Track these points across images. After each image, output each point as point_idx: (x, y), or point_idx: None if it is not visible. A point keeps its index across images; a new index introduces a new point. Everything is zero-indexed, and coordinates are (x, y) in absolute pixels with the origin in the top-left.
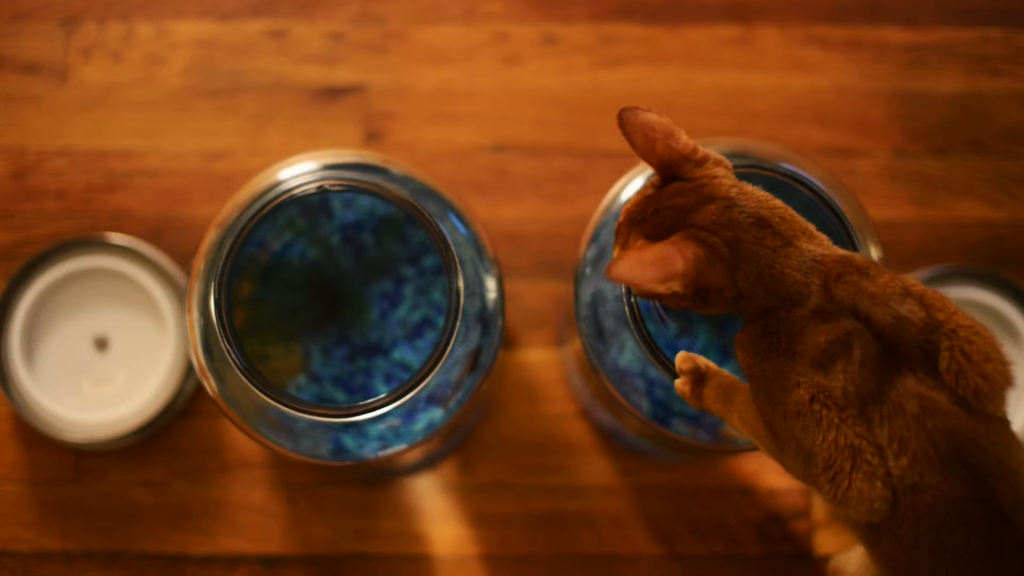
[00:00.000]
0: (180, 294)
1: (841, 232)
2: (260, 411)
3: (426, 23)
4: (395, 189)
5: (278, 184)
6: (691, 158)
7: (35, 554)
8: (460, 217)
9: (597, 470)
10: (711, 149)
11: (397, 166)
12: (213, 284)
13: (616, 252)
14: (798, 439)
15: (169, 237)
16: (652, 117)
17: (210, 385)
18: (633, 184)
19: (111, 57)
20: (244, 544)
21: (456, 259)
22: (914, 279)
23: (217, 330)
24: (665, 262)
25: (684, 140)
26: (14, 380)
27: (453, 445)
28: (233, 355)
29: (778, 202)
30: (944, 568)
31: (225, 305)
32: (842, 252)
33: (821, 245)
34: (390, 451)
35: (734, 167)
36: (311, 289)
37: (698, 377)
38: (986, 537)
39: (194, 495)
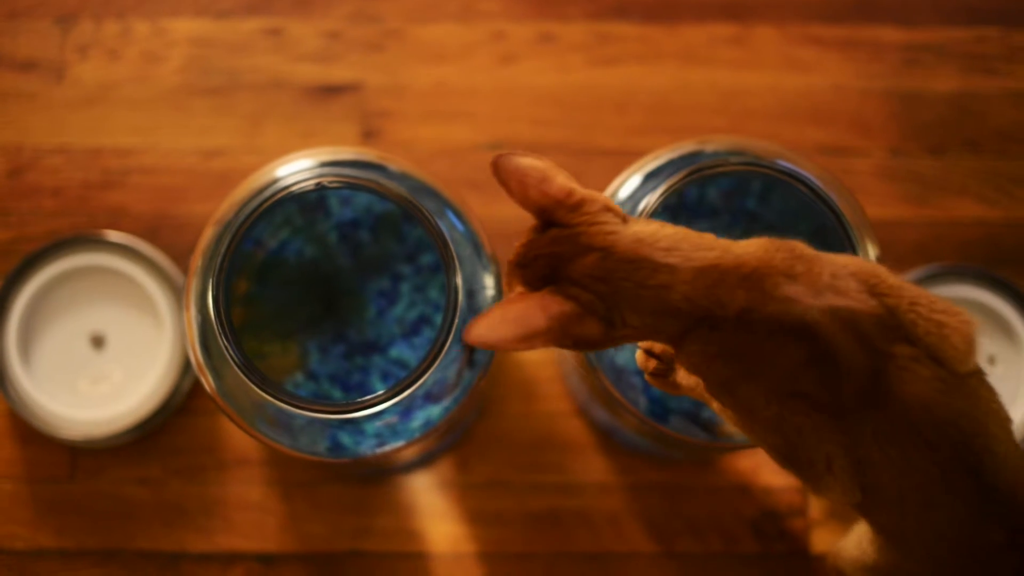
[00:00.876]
0: (177, 292)
1: (839, 230)
2: (258, 408)
3: (423, 21)
4: (393, 186)
5: (275, 181)
6: (565, 203)
7: (31, 552)
8: (458, 214)
9: (594, 468)
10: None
11: (394, 163)
12: (211, 281)
13: (504, 292)
14: (773, 445)
15: (166, 235)
16: (525, 162)
17: (208, 382)
18: (630, 182)
19: (107, 55)
20: (241, 542)
21: (454, 256)
22: (855, 260)
23: (215, 327)
24: (525, 321)
25: (559, 184)
26: (10, 378)
27: (450, 443)
28: (231, 352)
29: (668, 230)
30: (931, 534)
31: (223, 302)
32: (762, 255)
33: (728, 252)
34: (387, 448)
35: (733, 164)
36: (308, 287)
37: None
38: (969, 504)
39: (191, 493)
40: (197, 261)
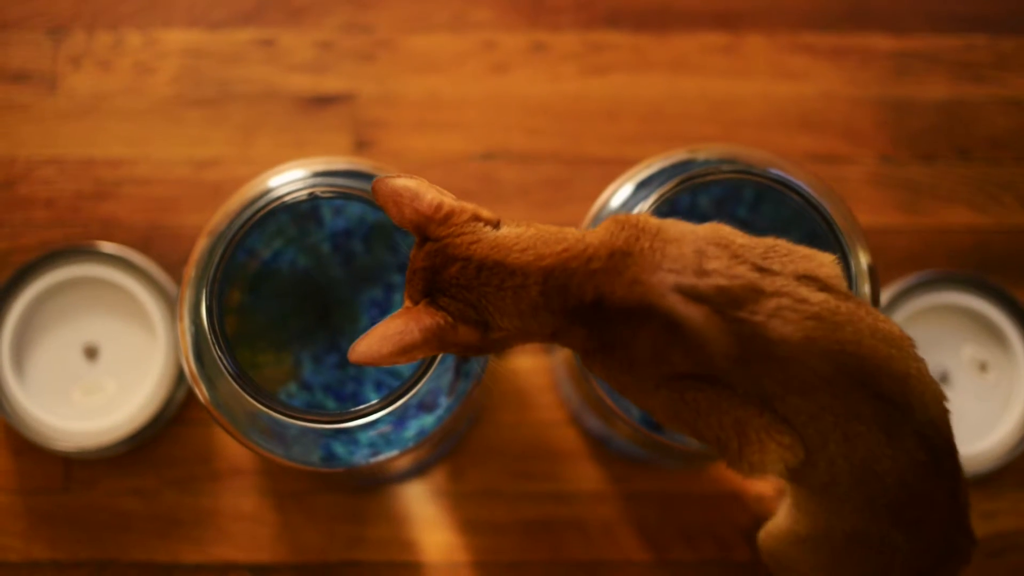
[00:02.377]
0: (170, 302)
1: (830, 236)
2: (251, 418)
3: (414, 32)
4: None
5: (268, 191)
6: (434, 218)
7: (25, 563)
8: None
9: (587, 476)
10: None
11: (387, 173)
12: (204, 291)
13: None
14: (684, 430)
15: (158, 245)
16: (399, 183)
17: (201, 392)
18: (622, 191)
19: (100, 66)
20: (235, 552)
21: None
22: (708, 226)
23: (209, 337)
24: (401, 337)
25: (428, 200)
26: (4, 389)
27: (443, 452)
28: (225, 362)
29: (531, 231)
30: (860, 472)
31: (217, 312)
32: (606, 238)
33: (579, 242)
34: (381, 458)
35: (724, 172)
36: (301, 297)
37: None
38: (886, 430)
39: (184, 503)
40: (190, 271)
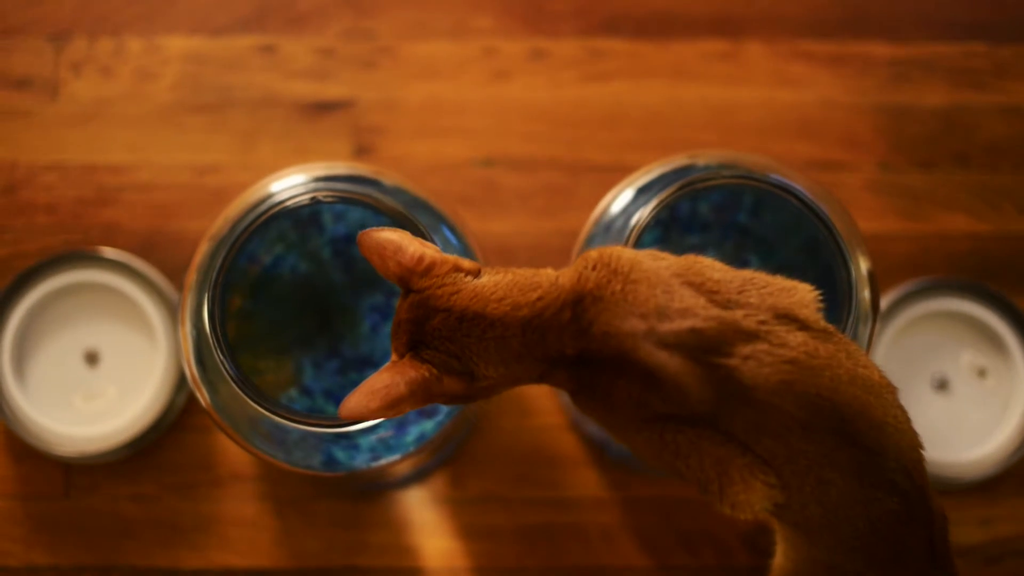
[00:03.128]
0: (171, 308)
1: (831, 243)
2: (252, 422)
3: (415, 38)
4: (388, 200)
5: (269, 197)
6: (416, 270)
7: (25, 569)
8: (453, 229)
9: (587, 483)
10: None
11: (389, 178)
12: (206, 296)
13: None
14: (666, 470)
15: (160, 251)
16: (383, 235)
17: (203, 397)
18: (622, 197)
19: (101, 72)
20: (235, 558)
21: None
22: (678, 261)
23: (211, 342)
24: (388, 392)
25: (410, 253)
26: (4, 394)
27: (443, 457)
28: (227, 367)
29: (508, 277)
30: (833, 515)
31: (218, 317)
32: (576, 281)
33: (553, 287)
34: (381, 463)
35: (724, 178)
36: (302, 302)
37: None
38: (859, 477)
39: (185, 509)
40: (192, 277)
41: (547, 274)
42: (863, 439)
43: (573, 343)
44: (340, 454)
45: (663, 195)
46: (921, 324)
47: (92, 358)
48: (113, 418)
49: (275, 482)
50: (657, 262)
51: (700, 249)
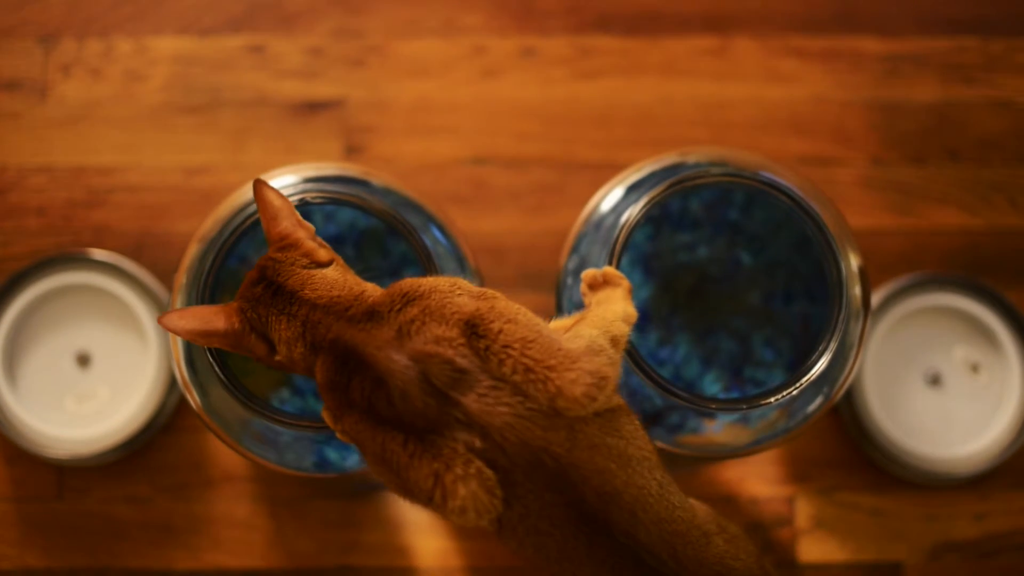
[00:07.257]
0: (162, 309)
1: (820, 239)
2: (244, 424)
3: (404, 37)
4: (376, 201)
5: None
6: (277, 244)
7: (19, 571)
8: (441, 229)
9: None
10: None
11: (378, 178)
12: (196, 297)
13: None
14: (389, 483)
15: (150, 253)
16: (269, 196)
17: (193, 399)
18: (612, 194)
19: (90, 74)
20: (228, 559)
21: (438, 270)
22: (476, 304)
23: None
24: (207, 322)
25: (280, 228)
26: None
27: None
28: (216, 368)
29: (333, 275)
30: (553, 565)
31: None
32: (374, 303)
33: (354, 289)
34: None
35: (714, 176)
36: None
37: None
38: (581, 537)
39: (178, 510)
40: (182, 278)
41: (367, 286)
42: (590, 506)
43: (334, 333)
44: (332, 455)
45: (653, 193)
46: (914, 319)
47: (83, 360)
48: (105, 420)
49: (268, 482)
50: (454, 300)
51: (691, 246)
